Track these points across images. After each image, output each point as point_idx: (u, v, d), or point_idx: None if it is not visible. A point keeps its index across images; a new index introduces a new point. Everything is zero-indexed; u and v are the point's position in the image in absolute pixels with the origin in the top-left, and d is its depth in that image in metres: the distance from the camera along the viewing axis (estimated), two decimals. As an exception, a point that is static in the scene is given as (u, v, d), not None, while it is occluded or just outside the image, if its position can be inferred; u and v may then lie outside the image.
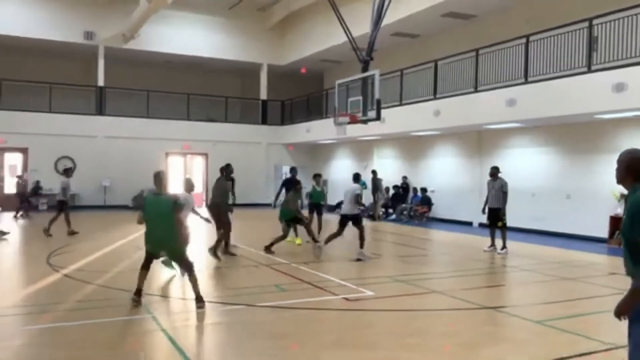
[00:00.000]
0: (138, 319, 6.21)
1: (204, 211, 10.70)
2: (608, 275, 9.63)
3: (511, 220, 12.34)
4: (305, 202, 13.68)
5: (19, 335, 5.65)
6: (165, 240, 6.67)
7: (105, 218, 13.87)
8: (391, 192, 20.57)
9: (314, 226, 12.51)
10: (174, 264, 8.68)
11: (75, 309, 6.54)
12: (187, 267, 6.77)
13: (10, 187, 21.61)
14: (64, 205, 13.68)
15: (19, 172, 20.87)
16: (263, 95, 26.32)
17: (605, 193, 13.01)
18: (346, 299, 7.28)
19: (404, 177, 20.48)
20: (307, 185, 14.12)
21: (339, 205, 17.76)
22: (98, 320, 6.03)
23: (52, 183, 20.43)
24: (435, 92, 16.55)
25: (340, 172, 24.73)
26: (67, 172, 14.22)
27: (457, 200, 18.27)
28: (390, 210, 20.20)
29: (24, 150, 21.65)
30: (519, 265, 10.44)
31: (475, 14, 17.46)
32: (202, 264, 9.33)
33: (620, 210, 12.07)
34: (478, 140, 17.56)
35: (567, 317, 6.53)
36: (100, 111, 23.03)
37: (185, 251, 6.86)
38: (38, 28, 21.43)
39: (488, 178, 12.04)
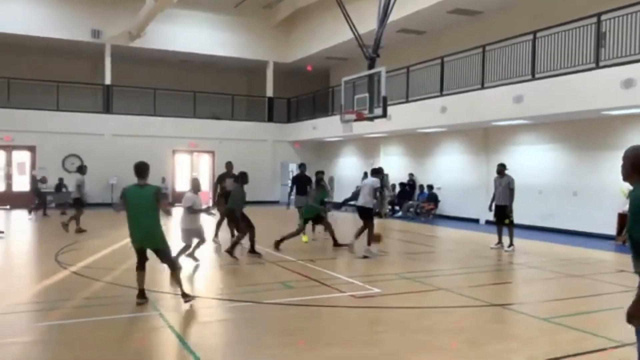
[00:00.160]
0: (145, 316, 6.24)
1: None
2: (616, 272, 9.58)
3: (518, 217, 12.29)
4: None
5: (28, 331, 5.70)
6: (150, 232, 6.53)
7: (113, 216, 13.79)
8: (397, 189, 20.54)
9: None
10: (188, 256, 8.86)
11: (83, 306, 6.58)
12: (171, 262, 6.72)
13: (19, 185, 21.82)
14: (79, 203, 13.77)
15: (29, 170, 21.06)
16: (269, 92, 26.33)
17: (613, 190, 12.94)
18: (353, 296, 7.29)
19: (411, 174, 20.45)
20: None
21: (345, 202, 17.72)
22: (105, 317, 6.07)
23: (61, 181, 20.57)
24: (441, 89, 16.50)
25: (346, 169, 24.74)
26: (82, 170, 14.26)
27: (464, 198, 18.23)
28: (397, 208, 20.18)
29: (31, 149, 21.78)
30: (526, 262, 10.41)
31: (481, 10, 17.39)
32: (211, 261, 9.37)
33: (627, 207, 12.00)
34: (485, 137, 17.50)
35: (574, 314, 6.51)
36: (107, 109, 23.14)
37: (168, 244, 6.71)
38: (45, 27, 21.53)
39: (495, 175, 12.00)
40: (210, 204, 14.98)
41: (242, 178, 10.27)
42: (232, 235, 11.98)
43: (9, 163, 21.92)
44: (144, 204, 6.48)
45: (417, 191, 19.94)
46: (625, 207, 12.61)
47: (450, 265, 10.40)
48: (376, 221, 11.57)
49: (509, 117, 14.52)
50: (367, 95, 12.25)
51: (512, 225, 11.65)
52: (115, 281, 7.97)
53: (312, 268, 9.27)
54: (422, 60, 17.59)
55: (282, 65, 26.12)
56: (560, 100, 12.66)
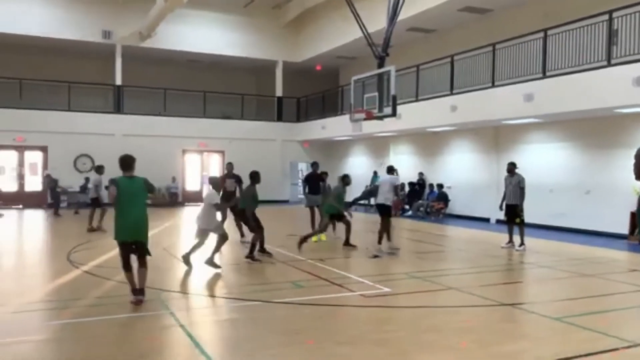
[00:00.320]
0: (156, 314, 6.27)
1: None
2: (628, 272, 9.50)
3: (529, 216, 12.22)
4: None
5: (41, 330, 5.75)
6: (141, 224, 6.52)
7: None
8: (407, 188, 20.50)
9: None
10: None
11: (95, 305, 6.63)
12: (144, 259, 6.61)
13: (31, 185, 22.03)
14: (97, 202, 13.88)
15: (41, 170, 21.27)
16: (278, 92, 26.38)
17: (626, 188, 12.80)
18: (363, 295, 7.28)
19: (420, 173, 20.40)
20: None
21: (355, 201, 17.75)
22: (117, 316, 6.11)
23: (71, 181, 20.74)
24: (451, 88, 16.44)
25: (356, 169, 24.70)
26: (99, 170, 14.34)
27: (474, 197, 18.15)
28: (407, 207, 20.13)
29: (43, 149, 21.98)
30: (538, 261, 10.35)
31: (491, 8, 17.29)
32: (220, 261, 9.39)
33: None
34: (495, 136, 17.41)
35: (586, 314, 6.46)
36: (118, 109, 23.30)
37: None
38: (57, 28, 21.73)
39: (505, 174, 11.94)
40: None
41: (254, 178, 10.17)
42: (242, 235, 12.00)
43: (21, 163, 22.13)
44: (135, 195, 6.47)
45: (427, 190, 19.88)
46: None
47: (460, 264, 10.36)
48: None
49: (520, 116, 14.43)
50: (376, 94, 12.23)
51: (522, 225, 11.58)
52: (126, 280, 8.00)
53: (322, 267, 9.28)
54: (432, 59, 17.53)
55: (292, 65, 26.15)
56: (571, 99, 12.57)
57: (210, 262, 8.73)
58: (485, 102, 15.05)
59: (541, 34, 13.51)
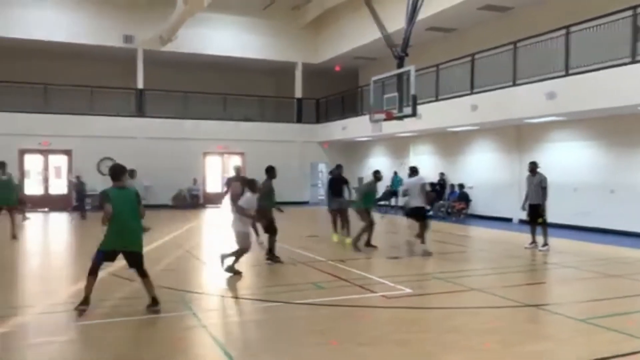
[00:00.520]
0: (179, 315, 6.34)
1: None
2: (656, 272, 9.31)
3: (553, 216, 12.06)
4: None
5: (68, 330, 5.85)
6: (136, 234, 6.39)
7: (146, 217, 14.15)
8: (427, 188, 20.35)
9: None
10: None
11: (120, 306, 6.72)
12: (142, 269, 6.46)
13: (56, 188, 22.43)
14: None
15: (66, 174, 21.69)
16: (298, 93, 26.46)
17: (652, 187, 12.59)
18: (384, 296, 7.27)
19: (441, 174, 20.26)
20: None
21: (375, 201, 17.65)
22: (141, 317, 6.19)
23: (94, 184, 21.04)
24: (472, 87, 16.32)
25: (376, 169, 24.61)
26: (132, 174, 14.46)
27: (496, 197, 17.98)
28: (428, 207, 19.98)
29: (68, 152, 22.37)
30: (561, 262, 10.21)
31: (512, 6, 17.12)
32: (241, 262, 9.45)
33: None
34: (517, 135, 17.23)
35: (612, 315, 6.35)
36: (140, 113, 23.60)
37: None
38: (80, 33, 22.16)
39: (527, 173, 11.81)
40: None
41: (270, 172, 10.08)
42: (257, 234, 12.00)
43: (46, 167, 22.57)
44: (128, 206, 6.31)
45: (448, 190, 19.74)
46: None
47: (482, 265, 10.27)
48: (406, 221, 11.49)
49: (542, 114, 14.25)
50: (396, 94, 12.21)
51: (545, 224, 11.43)
52: (149, 281, 8.11)
53: (342, 268, 9.28)
54: (452, 58, 17.42)
55: (311, 66, 26.21)
56: (595, 96, 12.38)
57: (230, 269, 8.62)
58: (507, 101, 14.90)
59: (563, 31, 13.34)
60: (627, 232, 13.58)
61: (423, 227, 10.89)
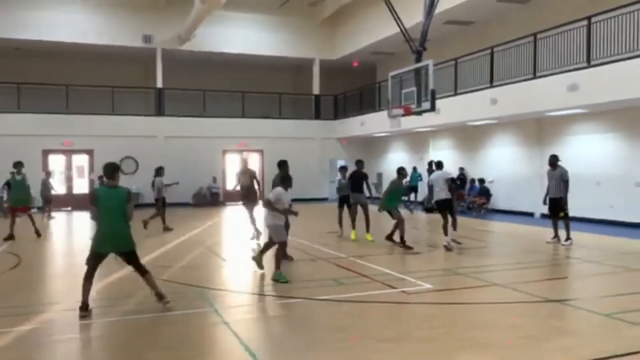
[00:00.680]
0: (201, 312, 6.40)
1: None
2: (682, 266, 9.13)
3: (576, 209, 11.89)
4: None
5: (92, 327, 5.96)
6: (124, 235, 6.30)
7: (167, 215, 14.33)
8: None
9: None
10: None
11: (143, 303, 6.78)
12: (140, 266, 6.47)
13: (79, 188, 22.76)
14: (161, 202, 14.23)
15: (88, 173, 22.07)
16: (315, 90, 26.45)
17: (678, 179, 12.33)
18: (405, 292, 7.25)
19: (461, 169, 20.10)
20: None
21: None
22: (164, 314, 6.26)
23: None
24: (491, 80, 16.13)
25: (395, 165, 24.34)
26: (159, 172, 14.64)
27: (517, 191, 17.77)
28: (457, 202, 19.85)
29: (89, 152, 22.69)
30: (585, 256, 10.06)
31: (531, -3, 16.89)
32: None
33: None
34: (538, 128, 17.00)
35: (637, 310, 6.25)
36: (159, 112, 23.83)
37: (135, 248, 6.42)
38: (100, 34, 22.42)
39: (548, 167, 11.65)
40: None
41: (282, 167, 9.65)
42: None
43: (69, 167, 22.94)
44: (117, 206, 6.23)
45: (468, 185, 19.57)
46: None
47: (504, 260, 10.17)
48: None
49: (564, 107, 14.03)
50: (414, 89, 12.11)
51: (567, 218, 11.27)
52: (171, 278, 8.21)
53: (362, 264, 9.27)
54: (471, 52, 17.24)
55: (328, 62, 26.18)
56: (618, 87, 12.15)
57: (257, 259, 8.57)
58: (527, 94, 14.69)
59: (585, 22, 13.11)
60: (652, 226, 13.33)
61: (452, 219, 11.00)
